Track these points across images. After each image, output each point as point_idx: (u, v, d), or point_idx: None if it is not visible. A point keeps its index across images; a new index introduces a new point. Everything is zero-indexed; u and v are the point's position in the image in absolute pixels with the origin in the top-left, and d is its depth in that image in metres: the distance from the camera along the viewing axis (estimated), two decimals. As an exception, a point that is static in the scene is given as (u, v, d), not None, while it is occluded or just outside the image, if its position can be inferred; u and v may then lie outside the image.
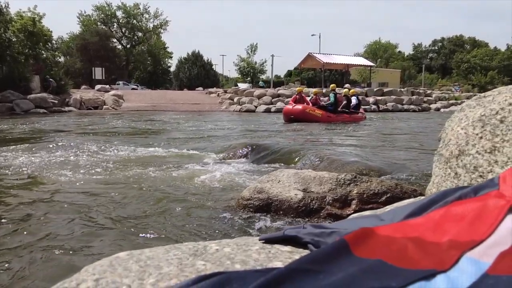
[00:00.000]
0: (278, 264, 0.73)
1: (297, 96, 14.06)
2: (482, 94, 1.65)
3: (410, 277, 0.53)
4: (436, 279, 0.53)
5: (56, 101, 21.57)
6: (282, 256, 0.78)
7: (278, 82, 42.61)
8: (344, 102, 14.30)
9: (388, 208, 1.03)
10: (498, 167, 1.27)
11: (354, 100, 14.67)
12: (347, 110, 14.16)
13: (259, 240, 0.88)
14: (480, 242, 0.61)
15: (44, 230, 2.51)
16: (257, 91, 26.97)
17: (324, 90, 20.03)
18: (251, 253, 0.79)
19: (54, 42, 29.15)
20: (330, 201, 2.73)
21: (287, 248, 0.83)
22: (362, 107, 25.20)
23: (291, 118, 13.01)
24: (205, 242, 0.90)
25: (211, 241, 0.90)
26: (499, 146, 1.31)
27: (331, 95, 14.03)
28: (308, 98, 14.47)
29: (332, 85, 15.44)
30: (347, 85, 18.01)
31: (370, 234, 0.70)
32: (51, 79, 23.19)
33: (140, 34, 50.03)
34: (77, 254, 2.15)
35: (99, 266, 0.77)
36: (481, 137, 1.38)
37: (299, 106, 13.17)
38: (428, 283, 0.52)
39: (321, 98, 15.46)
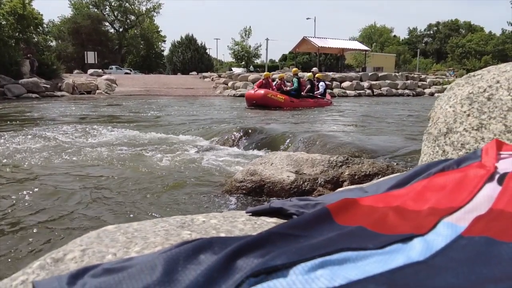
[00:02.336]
0: (263, 234, 0.74)
1: (263, 81, 13.73)
2: (472, 73, 1.65)
3: (387, 240, 0.54)
4: (413, 242, 0.54)
5: (48, 86, 21.27)
6: (268, 227, 0.79)
7: (272, 67, 42.27)
8: (308, 86, 13.83)
9: (374, 181, 1.05)
10: (485, 143, 1.28)
11: (321, 87, 14.17)
12: (311, 95, 13.73)
13: (246, 212, 0.89)
14: (458, 208, 0.63)
15: (36, 209, 2.52)
16: (252, 76, 26.74)
17: (286, 74, 19.27)
18: (237, 224, 0.81)
19: (45, 25, 28.61)
20: (322, 183, 2.76)
21: (273, 219, 0.84)
22: (358, 91, 25.30)
23: (253, 103, 12.83)
24: (193, 215, 0.90)
25: (198, 214, 0.91)
26: (486, 123, 1.32)
27: (294, 79, 13.62)
28: (273, 83, 14.00)
29: (294, 69, 14.86)
30: (314, 69, 17.17)
31: (352, 204, 0.71)
32: (33, 58, 22.76)
33: (132, 17, 49.17)
34: (67, 230, 2.18)
35: (86, 238, 0.78)
36: (468, 115, 1.39)
37: (261, 91, 12.89)
38: (404, 245, 0.53)
39: (286, 83, 14.95)
